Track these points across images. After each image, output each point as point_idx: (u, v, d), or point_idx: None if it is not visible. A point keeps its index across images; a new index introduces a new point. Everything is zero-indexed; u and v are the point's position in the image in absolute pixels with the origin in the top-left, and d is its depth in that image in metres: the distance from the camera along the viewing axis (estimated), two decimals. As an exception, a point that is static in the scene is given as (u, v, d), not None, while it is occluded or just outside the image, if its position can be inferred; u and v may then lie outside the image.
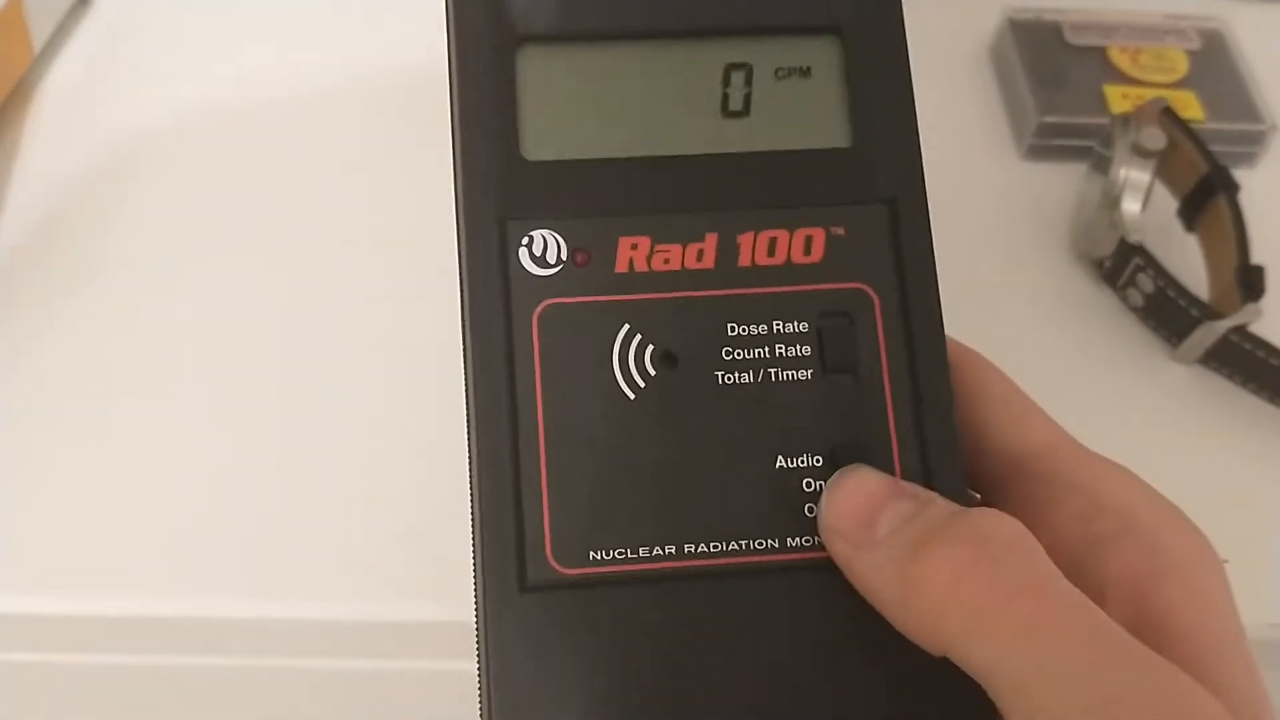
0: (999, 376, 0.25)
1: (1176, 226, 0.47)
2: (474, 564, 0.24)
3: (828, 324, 0.25)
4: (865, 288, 0.25)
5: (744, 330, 0.25)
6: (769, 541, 0.24)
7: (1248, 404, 0.43)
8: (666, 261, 0.25)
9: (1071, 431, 0.43)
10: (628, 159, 0.26)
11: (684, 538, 0.24)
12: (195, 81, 0.51)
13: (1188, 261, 0.46)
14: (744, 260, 0.25)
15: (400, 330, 0.43)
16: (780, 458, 0.24)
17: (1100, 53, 0.53)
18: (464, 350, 0.25)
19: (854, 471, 0.23)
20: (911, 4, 0.61)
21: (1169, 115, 0.46)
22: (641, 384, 0.25)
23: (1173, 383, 0.44)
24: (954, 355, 0.25)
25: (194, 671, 0.40)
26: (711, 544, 0.24)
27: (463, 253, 0.25)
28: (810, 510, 0.24)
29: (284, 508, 0.39)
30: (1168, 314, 0.44)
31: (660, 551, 0.24)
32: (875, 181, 0.26)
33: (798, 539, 0.24)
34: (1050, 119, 0.50)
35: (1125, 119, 0.46)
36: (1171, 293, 0.43)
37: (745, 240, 0.25)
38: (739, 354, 0.25)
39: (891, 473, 0.24)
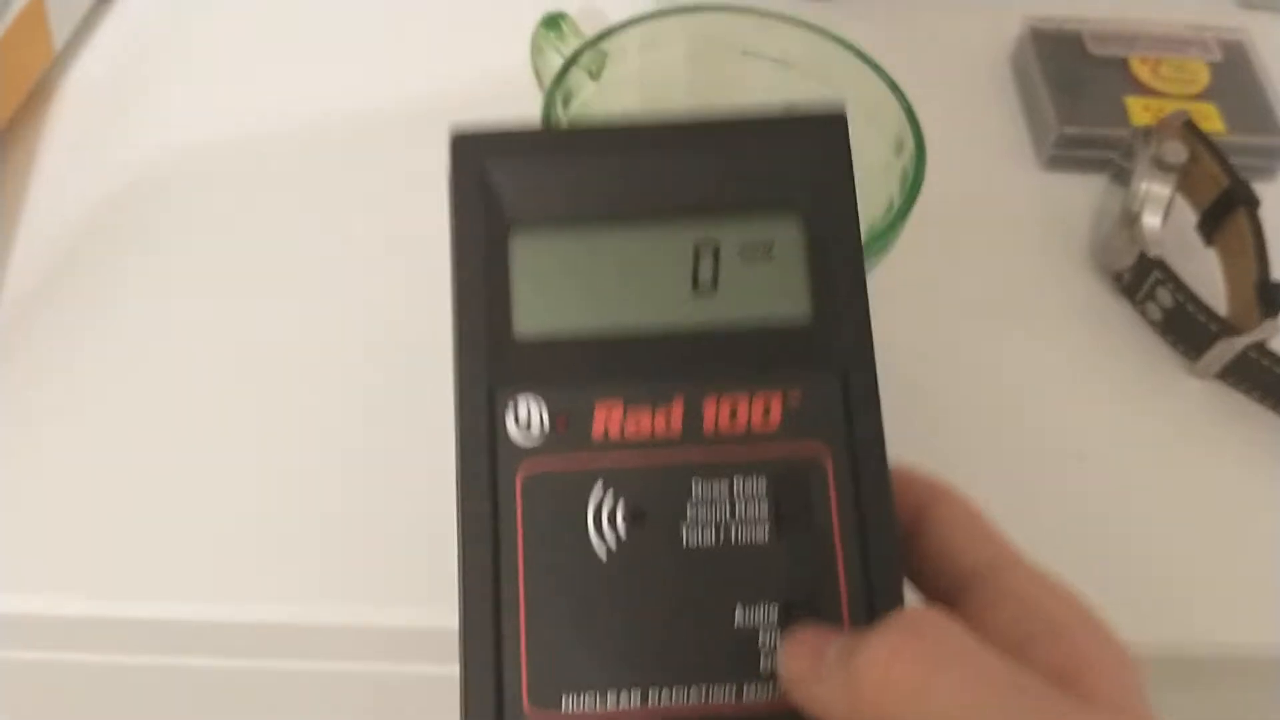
0: (960, 505, 0.28)
1: (1196, 240, 0.47)
2: (460, 706, 0.26)
3: (783, 486, 0.27)
4: (819, 451, 0.27)
5: (707, 491, 0.27)
6: (727, 693, 0.26)
7: (1264, 419, 0.43)
8: (638, 426, 0.28)
9: (1087, 442, 0.43)
10: (607, 333, 0.28)
11: (650, 688, 0.26)
12: (216, 82, 0.51)
13: (1207, 275, 0.46)
14: (708, 425, 0.28)
15: (421, 343, 0.43)
16: (739, 610, 0.27)
17: (1121, 63, 0.52)
18: (457, 510, 0.27)
19: (802, 631, 0.26)
20: (934, 13, 0.61)
21: (1190, 129, 0.46)
22: (613, 543, 0.27)
23: (1189, 397, 0.44)
24: (925, 489, 0.28)
25: (210, 674, 0.40)
26: (675, 694, 0.26)
27: (457, 419, 0.28)
28: (766, 663, 0.26)
29: (307, 515, 0.39)
30: (1186, 328, 0.44)
31: (628, 702, 0.26)
32: (830, 353, 0.28)
33: (753, 689, 0.26)
34: (1071, 130, 0.50)
35: (1147, 132, 0.46)
36: (1190, 307, 0.43)
37: (709, 407, 0.28)
38: (702, 513, 0.27)
39: (840, 624, 0.26)
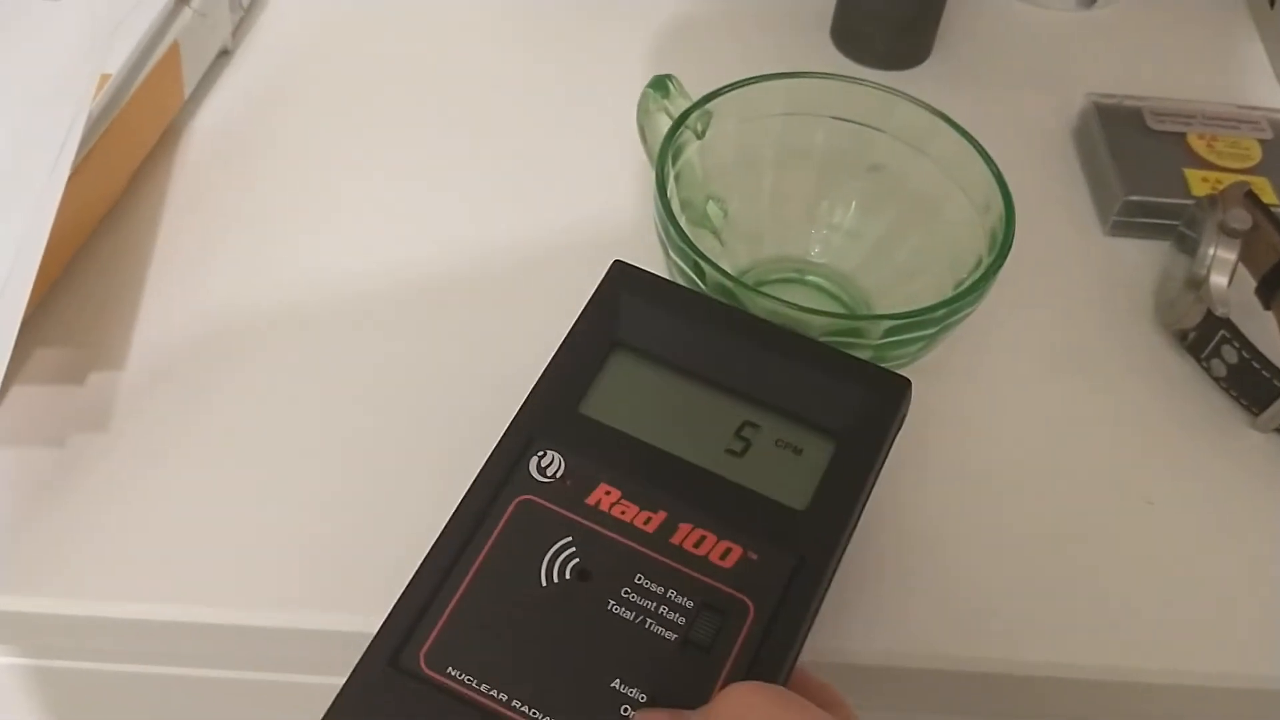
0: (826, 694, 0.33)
1: (1254, 303, 0.49)
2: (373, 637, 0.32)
3: (704, 612, 0.32)
4: (748, 604, 0.33)
5: (647, 584, 0.33)
6: None
7: (1324, 472, 0.46)
8: (623, 513, 0.34)
9: (1156, 487, 0.45)
10: (644, 444, 0.35)
11: (516, 696, 0.31)
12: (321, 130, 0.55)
13: (1263, 336, 0.48)
14: (675, 539, 0.34)
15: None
16: (618, 681, 0.31)
17: (1180, 138, 0.56)
18: (460, 501, 0.34)
19: (651, 711, 0.31)
20: (1002, 88, 0.65)
21: (1252, 198, 0.49)
22: (555, 580, 0.33)
23: (1252, 448, 0.46)
24: (817, 692, 0.33)
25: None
26: (533, 712, 0.31)
27: (497, 445, 0.34)
28: None
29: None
30: (1250, 384, 0.46)
31: (496, 695, 0.31)
32: (799, 541, 0.34)
33: None
34: (1135, 197, 0.53)
35: (1212, 200, 0.49)
36: (1256, 364, 0.46)
37: (684, 528, 0.34)
38: (634, 598, 0.33)
39: None
